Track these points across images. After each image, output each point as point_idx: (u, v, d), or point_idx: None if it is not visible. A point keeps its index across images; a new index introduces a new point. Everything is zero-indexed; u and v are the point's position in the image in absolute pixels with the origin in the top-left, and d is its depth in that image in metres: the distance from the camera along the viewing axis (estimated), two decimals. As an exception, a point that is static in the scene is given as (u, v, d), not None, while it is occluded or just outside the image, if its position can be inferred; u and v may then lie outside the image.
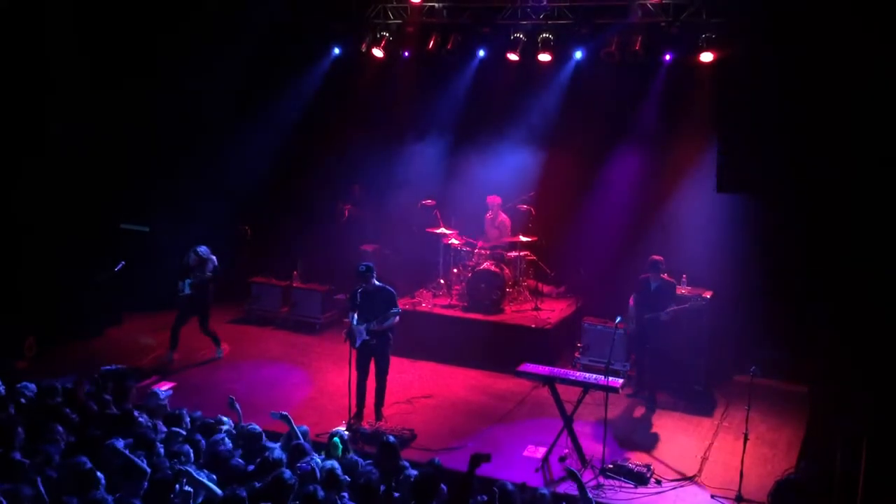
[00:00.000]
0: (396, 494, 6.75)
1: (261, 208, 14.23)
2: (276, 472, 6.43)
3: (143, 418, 7.82)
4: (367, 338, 9.35)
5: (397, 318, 9.50)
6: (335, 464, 6.91)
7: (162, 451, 7.00)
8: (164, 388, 9.83)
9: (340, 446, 7.67)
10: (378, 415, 9.59)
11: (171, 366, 11.19)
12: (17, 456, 6.49)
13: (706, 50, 11.01)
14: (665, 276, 10.28)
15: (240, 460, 7.01)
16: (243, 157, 13.78)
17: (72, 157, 12.11)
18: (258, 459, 6.94)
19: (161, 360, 11.32)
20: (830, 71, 10.24)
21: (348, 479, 6.81)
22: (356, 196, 14.34)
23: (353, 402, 9.45)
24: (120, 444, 6.68)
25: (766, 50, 10.70)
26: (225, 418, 7.95)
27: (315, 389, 10.64)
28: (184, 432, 7.43)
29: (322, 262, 13.81)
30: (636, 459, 8.74)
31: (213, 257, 11.29)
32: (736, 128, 11.40)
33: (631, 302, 10.38)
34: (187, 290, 11.13)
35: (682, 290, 10.86)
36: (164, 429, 7.71)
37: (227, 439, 7.30)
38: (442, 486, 6.70)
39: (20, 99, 11.53)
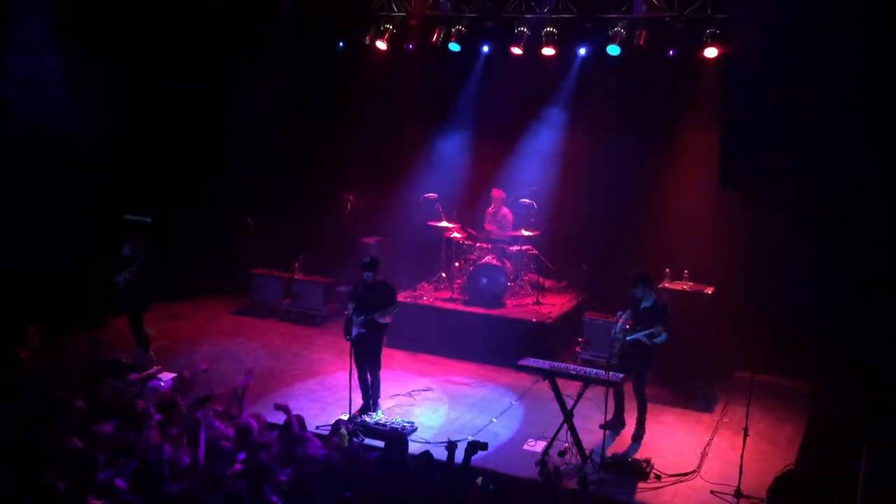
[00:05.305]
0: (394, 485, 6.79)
1: (263, 200, 14.23)
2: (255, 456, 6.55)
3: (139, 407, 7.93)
4: (364, 330, 9.33)
5: (396, 312, 9.44)
6: (334, 454, 6.97)
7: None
8: (165, 379, 9.87)
9: (347, 437, 7.77)
10: (375, 407, 9.55)
11: (151, 364, 10.49)
12: None
13: (710, 45, 10.99)
14: (656, 294, 9.23)
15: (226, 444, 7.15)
16: (246, 147, 13.79)
17: (80, 146, 12.10)
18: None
19: (142, 360, 10.61)
20: (834, 66, 10.20)
21: (346, 469, 6.86)
22: (358, 188, 14.32)
23: (360, 395, 9.46)
24: None
25: (770, 46, 10.66)
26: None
27: (316, 381, 10.67)
28: None
29: (324, 254, 13.81)
30: (636, 454, 8.75)
31: (143, 251, 10.49)
32: (739, 124, 11.36)
33: (619, 319, 9.14)
34: (121, 285, 10.49)
35: (684, 285, 10.84)
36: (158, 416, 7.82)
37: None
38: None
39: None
